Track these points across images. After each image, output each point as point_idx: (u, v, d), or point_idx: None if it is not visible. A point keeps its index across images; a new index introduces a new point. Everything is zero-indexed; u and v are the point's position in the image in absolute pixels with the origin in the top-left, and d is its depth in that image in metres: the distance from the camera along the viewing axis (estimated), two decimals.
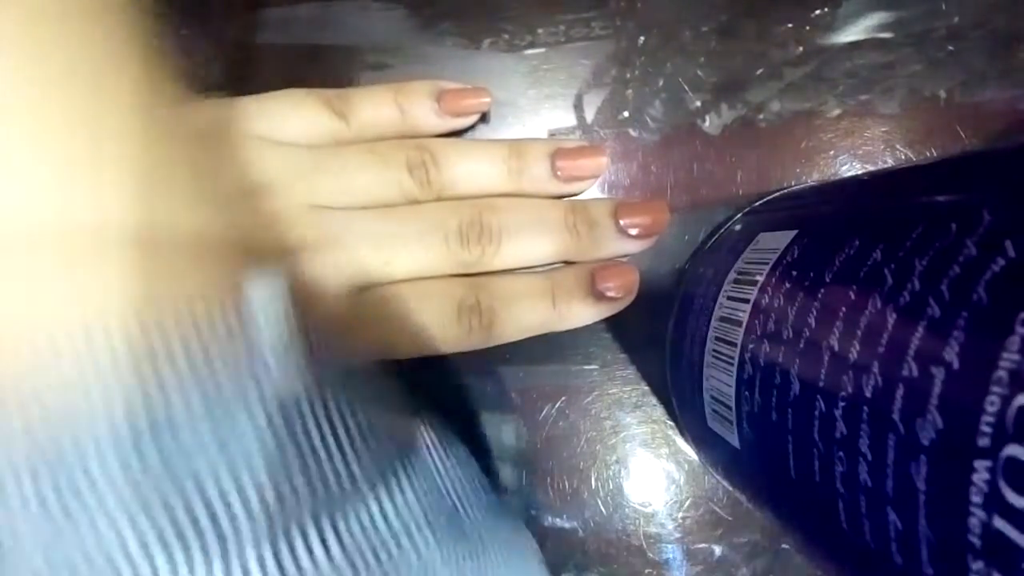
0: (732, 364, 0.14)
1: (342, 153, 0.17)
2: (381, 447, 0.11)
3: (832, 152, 0.19)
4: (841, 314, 0.10)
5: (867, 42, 0.19)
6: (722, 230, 0.19)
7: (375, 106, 0.18)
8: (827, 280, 0.11)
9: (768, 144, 0.19)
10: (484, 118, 0.20)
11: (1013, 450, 0.07)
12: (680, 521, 0.20)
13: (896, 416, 0.09)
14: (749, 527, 0.19)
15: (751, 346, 0.13)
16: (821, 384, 0.10)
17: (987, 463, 0.07)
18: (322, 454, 0.10)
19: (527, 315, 0.17)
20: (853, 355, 0.10)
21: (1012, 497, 0.07)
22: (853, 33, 0.19)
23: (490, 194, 0.18)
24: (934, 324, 0.08)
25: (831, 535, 0.10)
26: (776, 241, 0.14)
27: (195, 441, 0.08)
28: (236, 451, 0.08)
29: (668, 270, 0.20)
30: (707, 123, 0.20)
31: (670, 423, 0.20)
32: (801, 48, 0.19)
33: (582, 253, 0.18)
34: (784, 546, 0.19)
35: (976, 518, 0.07)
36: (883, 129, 0.19)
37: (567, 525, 0.20)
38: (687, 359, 0.17)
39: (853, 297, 0.10)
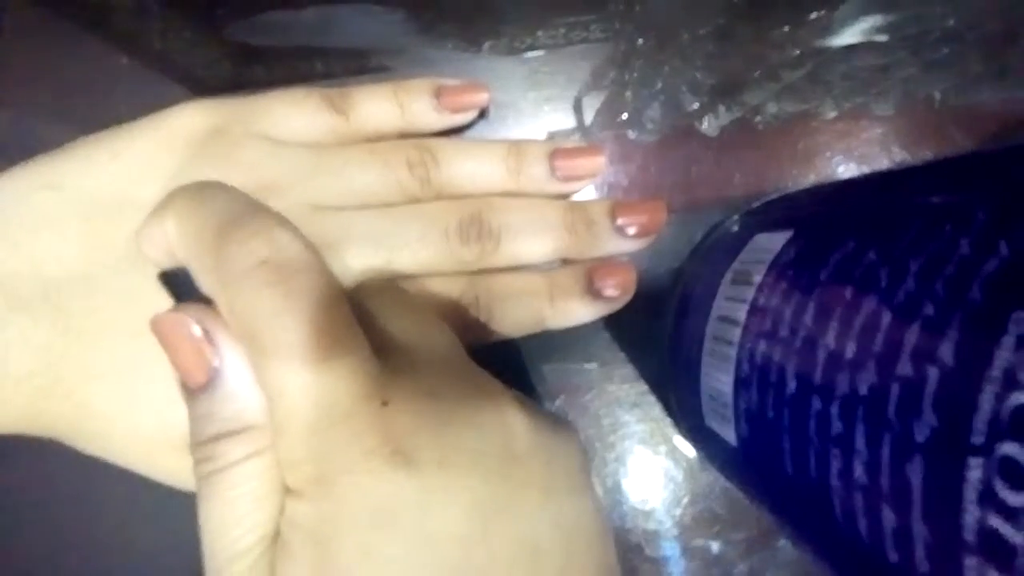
0: (730, 363, 0.14)
1: (342, 153, 0.17)
2: None
3: (828, 153, 0.19)
4: (837, 313, 0.10)
5: (863, 45, 0.19)
6: (719, 230, 0.19)
7: (374, 102, 0.18)
8: (823, 280, 0.11)
9: (765, 146, 0.20)
10: (483, 114, 0.20)
11: (1007, 448, 0.07)
12: (678, 518, 0.20)
13: (891, 414, 0.09)
14: (746, 524, 0.20)
15: (748, 345, 0.13)
16: (817, 382, 0.10)
17: (981, 460, 0.07)
18: None
19: (525, 312, 0.17)
20: (849, 354, 0.10)
21: (1006, 494, 0.07)
22: (849, 36, 0.19)
23: (489, 193, 0.18)
24: (929, 323, 0.08)
25: (827, 532, 0.10)
26: (773, 241, 0.14)
27: None
28: None
29: (666, 270, 0.20)
30: (705, 125, 0.20)
31: (668, 421, 0.20)
32: (797, 51, 0.19)
33: (580, 252, 0.18)
34: (781, 542, 0.19)
35: (970, 515, 0.07)
36: (879, 131, 0.19)
37: None
38: (685, 358, 0.17)
39: (849, 296, 0.10)
